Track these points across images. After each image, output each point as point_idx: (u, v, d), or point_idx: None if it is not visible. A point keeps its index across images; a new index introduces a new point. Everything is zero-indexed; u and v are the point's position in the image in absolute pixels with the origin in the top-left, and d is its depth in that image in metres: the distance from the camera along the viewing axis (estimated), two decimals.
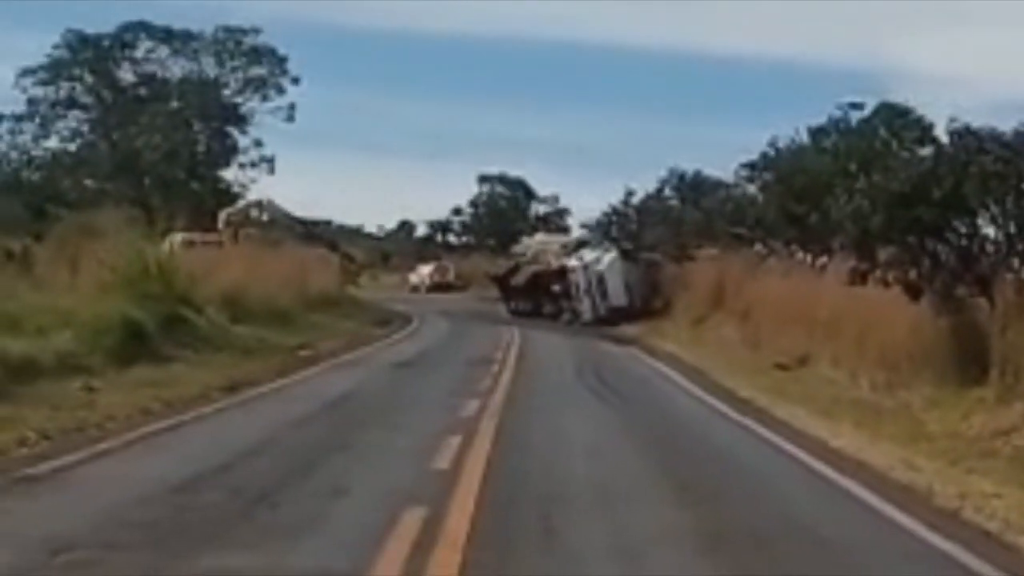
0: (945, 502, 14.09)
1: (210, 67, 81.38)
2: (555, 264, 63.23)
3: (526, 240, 70.73)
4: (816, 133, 53.14)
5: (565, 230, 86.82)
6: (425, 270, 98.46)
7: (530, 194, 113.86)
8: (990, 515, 13.22)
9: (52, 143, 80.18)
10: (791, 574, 10.69)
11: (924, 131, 46.33)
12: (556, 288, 61.26)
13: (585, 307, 59.26)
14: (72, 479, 13.81)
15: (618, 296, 59.22)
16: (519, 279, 65.15)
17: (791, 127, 61.32)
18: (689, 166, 70.31)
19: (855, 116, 53.14)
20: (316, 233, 70.08)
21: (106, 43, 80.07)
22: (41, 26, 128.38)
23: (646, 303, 58.56)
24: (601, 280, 59.36)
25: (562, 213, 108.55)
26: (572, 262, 61.38)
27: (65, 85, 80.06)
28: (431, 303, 72.69)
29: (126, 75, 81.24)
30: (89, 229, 36.59)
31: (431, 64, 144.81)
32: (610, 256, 61.12)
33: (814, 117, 57.17)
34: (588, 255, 61.78)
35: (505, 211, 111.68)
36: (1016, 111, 57.10)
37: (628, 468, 16.40)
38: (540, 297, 62.01)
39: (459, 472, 14.69)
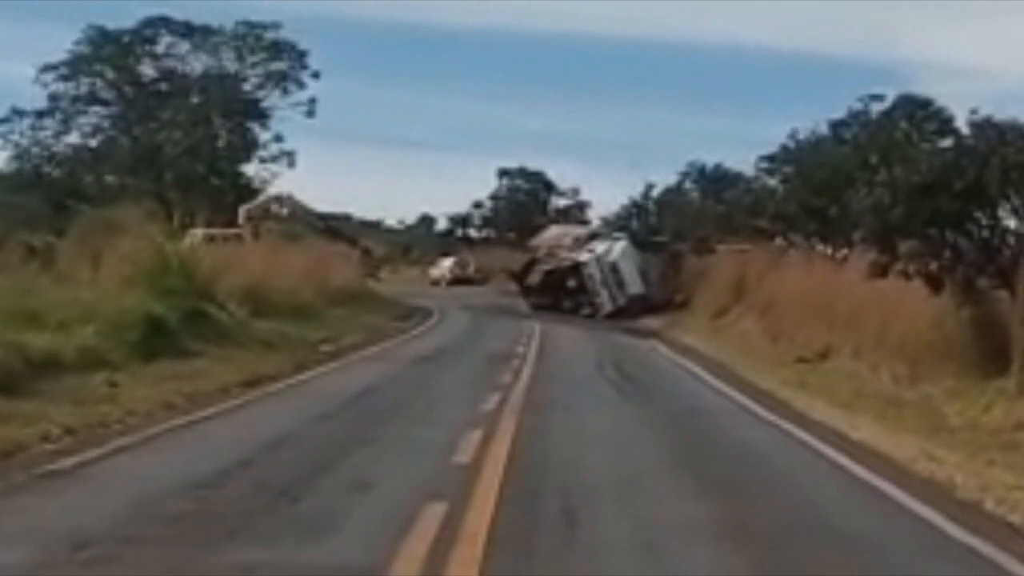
0: (967, 494, 14.06)
1: (230, 62, 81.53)
2: (569, 258, 63.10)
3: (543, 234, 70.51)
4: (836, 126, 53.08)
5: (586, 223, 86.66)
6: (446, 264, 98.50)
7: (550, 187, 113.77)
8: (1012, 507, 13.19)
9: (73, 139, 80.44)
10: (813, 567, 10.68)
11: (944, 123, 46.28)
12: (571, 283, 61.25)
13: (604, 299, 59.30)
14: (95, 474, 13.86)
15: (635, 283, 59.31)
16: (533, 278, 65.04)
17: (811, 120, 61.31)
18: (709, 159, 70.25)
19: (875, 108, 53.05)
20: (336, 228, 70.14)
21: (127, 39, 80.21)
22: (62, 22, 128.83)
23: (668, 293, 58.60)
24: (615, 269, 59.45)
25: (582, 206, 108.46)
26: (583, 256, 61.35)
27: (86, 81, 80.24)
28: (452, 297, 72.70)
29: (147, 70, 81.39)
30: (110, 224, 36.67)
31: (451, 58, 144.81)
32: (621, 244, 61.22)
33: (834, 110, 57.10)
34: (599, 247, 61.78)
35: (525, 204, 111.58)
36: None
37: (649, 461, 16.40)
38: (557, 293, 62.00)
39: (480, 466, 14.71)
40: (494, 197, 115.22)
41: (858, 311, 30.56)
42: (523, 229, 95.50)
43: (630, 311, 58.15)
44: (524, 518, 11.84)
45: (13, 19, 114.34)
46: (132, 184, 73.47)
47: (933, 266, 25.54)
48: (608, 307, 59.01)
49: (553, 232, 69.47)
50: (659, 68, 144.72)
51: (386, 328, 45.86)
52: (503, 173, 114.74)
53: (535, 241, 69.29)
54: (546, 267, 63.20)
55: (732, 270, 49.22)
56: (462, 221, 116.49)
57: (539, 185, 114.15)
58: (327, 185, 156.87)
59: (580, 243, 66.27)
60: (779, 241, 50.37)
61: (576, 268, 60.99)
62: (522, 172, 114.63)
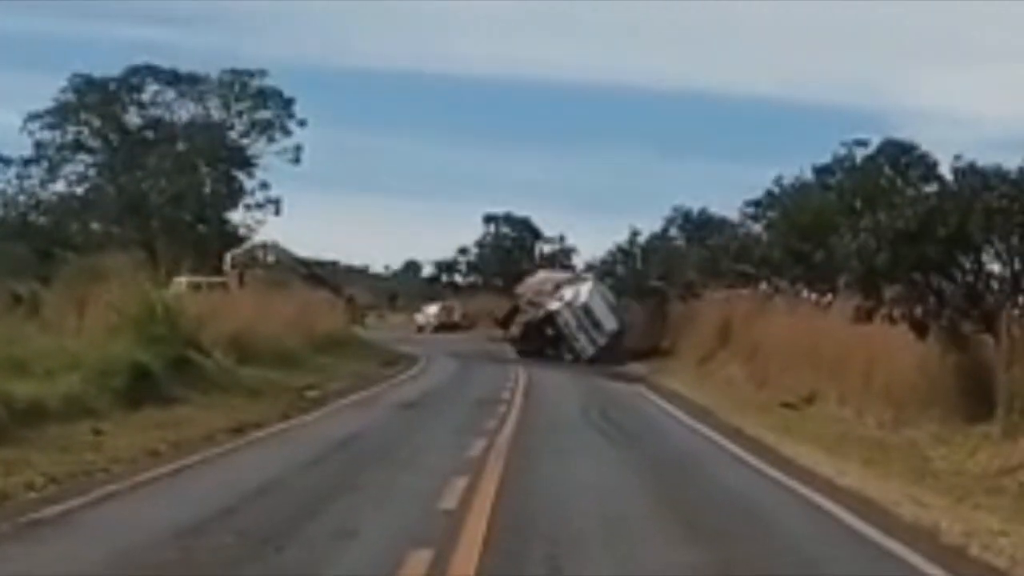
0: (952, 539, 14.07)
1: (216, 110, 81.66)
2: (543, 308, 63.00)
3: (528, 280, 70.44)
4: (821, 171, 53.30)
5: (571, 269, 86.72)
6: (431, 310, 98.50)
7: (536, 234, 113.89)
8: (997, 552, 13.20)
9: (59, 187, 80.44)
10: None
11: (929, 168, 46.48)
12: (549, 332, 61.33)
13: (583, 343, 59.46)
14: (79, 523, 13.81)
15: (609, 320, 59.60)
16: (513, 330, 65.12)
17: (796, 165, 61.68)
18: (695, 205, 70.35)
19: (860, 153, 53.28)
20: (320, 275, 70.11)
21: (112, 86, 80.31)
22: (48, 70, 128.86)
23: (655, 339, 58.70)
24: (587, 311, 59.71)
25: (568, 252, 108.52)
26: (554, 304, 61.37)
27: (72, 129, 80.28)
28: (437, 343, 72.67)
29: (133, 118, 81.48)
30: (96, 272, 36.63)
31: (436, 106, 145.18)
32: (587, 285, 61.54)
33: (819, 155, 57.24)
34: (567, 292, 61.88)
35: (511, 251, 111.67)
36: (1021, 148, 57.19)
37: (635, 507, 16.39)
38: (538, 340, 61.99)
39: (466, 512, 14.68)
40: (480, 243, 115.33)
41: (843, 356, 30.60)
42: (509, 275, 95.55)
43: (614, 351, 58.25)
44: (509, 565, 11.83)
45: (0, 68, 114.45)
46: (118, 232, 73.52)
47: (918, 311, 25.63)
48: (590, 350, 59.12)
49: (538, 277, 69.39)
50: (644, 114, 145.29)
51: (372, 374, 45.78)
52: (489, 219, 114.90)
53: (520, 288, 69.19)
54: (524, 318, 63.12)
55: (718, 316, 49.28)
56: (448, 267, 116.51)
57: (525, 231, 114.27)
58: (313, 232, 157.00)
59: (558, 289, 66.29)
60: (764, 286, 50.44)
61: (551, 317, 61.02)
62: (508, 218, 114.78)
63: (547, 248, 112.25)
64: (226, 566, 11.52)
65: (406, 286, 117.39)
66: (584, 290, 60.83)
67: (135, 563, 11.49)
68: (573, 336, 59.33)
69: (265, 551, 12.20)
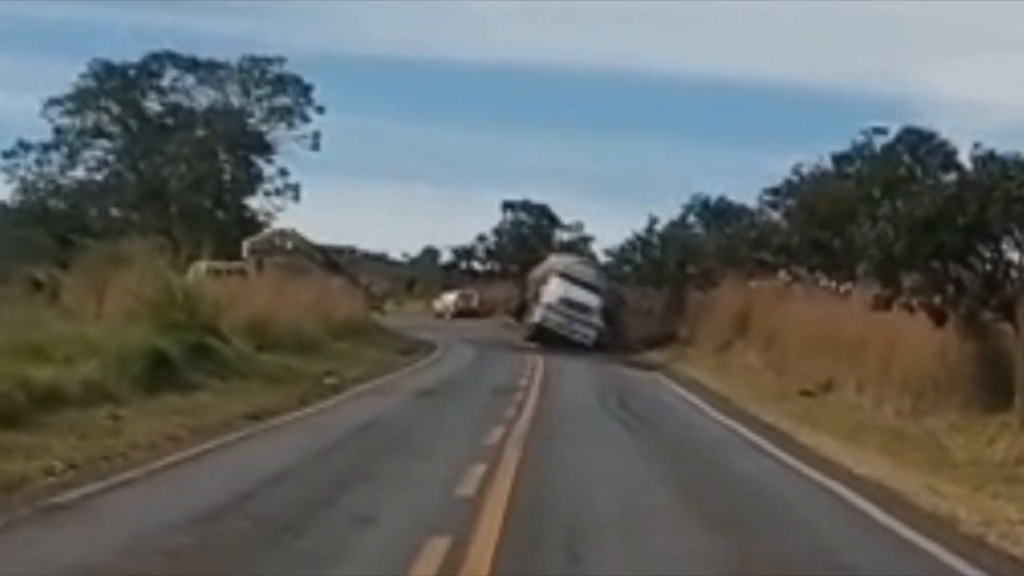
0: (970, 529, 14.06)
1: (236, 96, 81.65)
2: (534, 312, 62.62)
3: (539, 267, 69.95)
4: (840, 159, 53.13)
5: (589, 257, 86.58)
6: (449, 297, 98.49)
7: (554, 221, 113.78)
8: (1015, 541, 13.19)
9: (79, 173, 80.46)
10: None
11: (948, 156, 46.32)
12: (551, 332, 61.10)
13: (580, 332, 59.23)
14: (98, 508, 13.85)
15: (591, 298, 59.92)
16: (525, 332, 64.75)
17: (815, 153, 61.32)
18: (713, 192, 70.19)
19: (879, 141, 53.14)
20: (337, 264, 70.10)
21: (132, 72, 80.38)
22: (68, 56, 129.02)
23: (671, 327, 58.77)
24: (568, 303, 59.81)
25: (586, 240, 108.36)
26: (539, 314, 60.88)
27: (92, 115, 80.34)
28: (455, 330, 72.65)
29: (152, 104, 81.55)
30: (115, 258, 36.70)
31: (455, 92, 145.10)
32: (555, 281, 61.39)
33: (838, 143, 57.10)
34: (544, 294, 61.56)
35: (528, 238, 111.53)
36: None
37: (653, 496, 16.39)
38: (547, 337, 61.75)
39: (484, 500, 14.69)
40: (498, 230, 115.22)
41: (861, 344, 30.54)
42: (527, 262, 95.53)
43: (614, 322, 58.58)
44: (527, 552, 11.84)
45: (20, 53, 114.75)
46: (137, 218, 73.58)
47: (936, 300, 25.55)
48: (592, 335, 59.06)
49: (543, 266, 68.76)
50: (664, 101, 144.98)
51: (390, 361, 45.81)
52: (507, 206, 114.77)
53: (534, 273, 68.71)
54: (531, 319, 62.30)
55: (736, 304, 49.20)
56: (466, 254, 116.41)
57: (543, 218, 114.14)
58: (332, 218, 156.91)
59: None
60: (783, 274, 50.35)
61: (543, 325, 60.66)
62: (526, 205, 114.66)
63: (565, 236, 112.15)
64: (243, 552, 11.54)
65: (424, 273, 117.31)
66: (554, 286, 60.70)
67: (152, 548, 11.51)
68: (569, 329, 59.18)
69: (283, 537, 12.22)
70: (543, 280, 63.71)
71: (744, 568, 11.58)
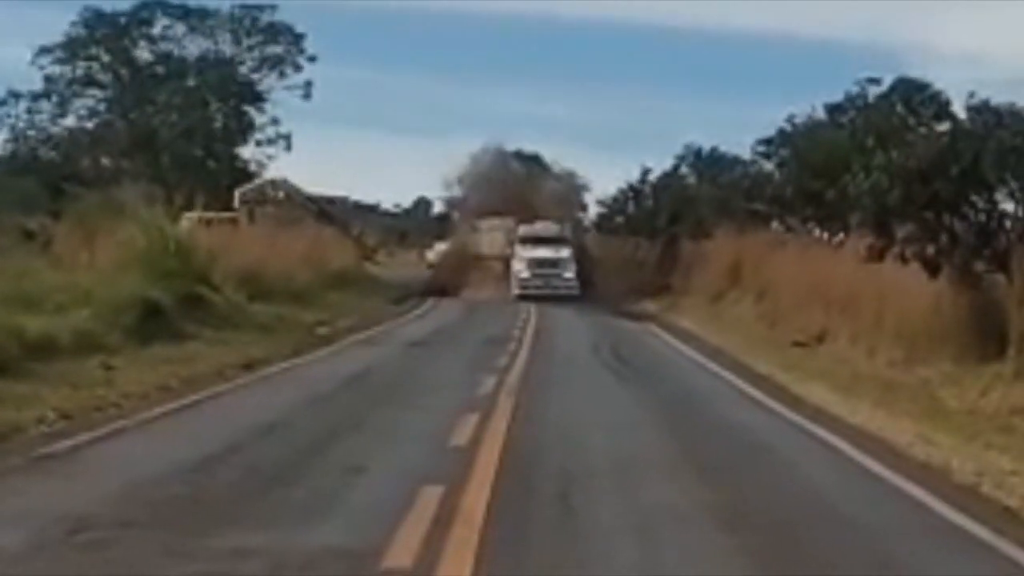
0: (963, 478, 14.06)
1: (227, 45, 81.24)
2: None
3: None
4: (833, 109, 52.90)
5: (583, 207, 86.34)
6: (442, 247, 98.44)
7: (546, 171, 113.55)
8: (1009, 491, 13.19)
9: (69, 122, 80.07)
10: (809, 550, 10.67)
11: (942, 107, 46.10)
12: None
13: (561, 286, 59.17)
14: (90, 457, 13.85)
15: (551, 250, 60.03)
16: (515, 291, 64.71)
17: (808, 103, 61.10)
18: (706, 143, 69.89)
19: (872, 92, 52.81)
20: (329, 213, 69.95)
21: (123, 21, 79.99)
22: (58, 3, 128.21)
23: (664, 277, 58.77)
24: (539, 263, 59.82)
25: (578, 190, 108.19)
26: (517, 279, 60.78)
27: (82, 64, 79.94)
28: None
29: (143, 53, 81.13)
30: (107, 208, 36.60)
31: (448, 42, 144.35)
32: (518, 248, 61.34)
33: (831, 93, 56.66)
34: (515, 261, 61.49)
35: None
36: None
37: (646, 445, 16.38)
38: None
39: (477, 449, 14.70)
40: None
41: (855, 295, 30.52)
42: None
43: (583, 264, 59.03)
44: (520, 501, 11.84)
45: (10, 1, 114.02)
46: (128, 167, 73.35)
47: (930, 250, 25.49)
48: (574, 283, 59.26)
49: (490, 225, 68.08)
50: (656, 51, 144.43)
51: (382, 312, 45.82)
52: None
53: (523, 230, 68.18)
54: (513, 291, 61.85)
55: (729, 254, 49.14)
56: (458, 204, 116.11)
57: (535, 168, 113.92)
58: (323, 168, 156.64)
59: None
60: (776, 225, 50.27)
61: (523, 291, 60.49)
62: (518, 155, 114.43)
63: (556, 185, 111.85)
64: (235, 502, 11.54)
65: (416, 224, 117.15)
66: (519, 252, 60.62)
67: (144, 498, 11.51)
68: (552, 288, 59.09)
69: (274, 487, 12.21)
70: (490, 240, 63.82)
71: (737, 517, 11.57)
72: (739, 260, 47.45)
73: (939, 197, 24.88)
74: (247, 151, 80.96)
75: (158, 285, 28.30)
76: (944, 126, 29.63)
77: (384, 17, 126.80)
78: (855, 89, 52.82)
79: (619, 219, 71.31)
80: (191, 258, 31.83)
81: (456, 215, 79.96)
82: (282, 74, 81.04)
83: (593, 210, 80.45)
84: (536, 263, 59.89)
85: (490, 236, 66.88)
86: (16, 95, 78.93)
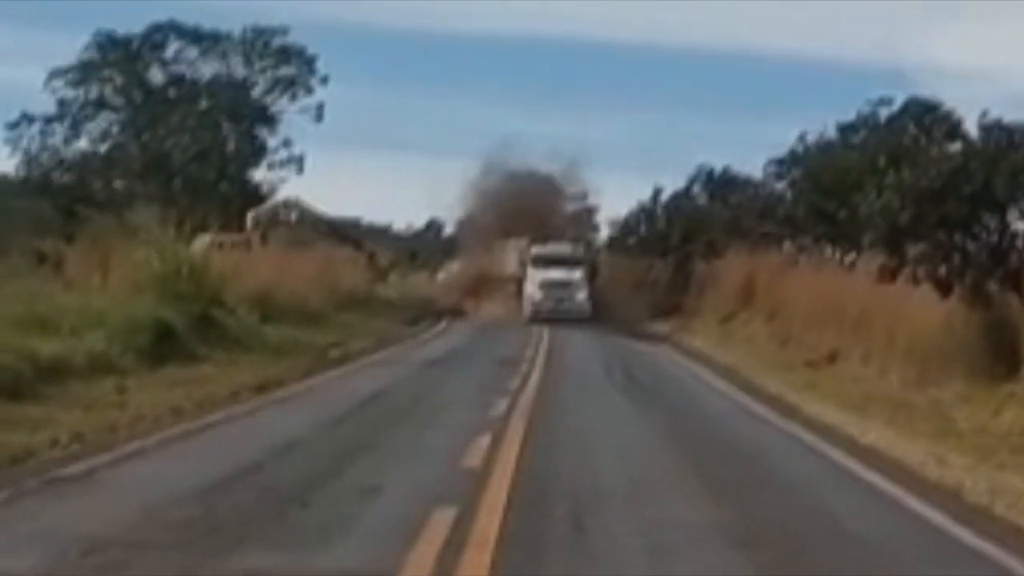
0: (976, 498, 14.04)
1: (239, 67, 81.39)
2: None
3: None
4: (845, 129, 52.92)
5: (594, 228, 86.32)
6: (453, 268, 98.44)
7: (558, 191, 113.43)
8: (1022, 511, 13.17)
9: (82, 144, 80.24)
10: (822, 570, 10.68)
11: (953, 126, 46.10)
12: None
13: (574, 307, 59.17)
14: (104, 479, 13.87)
15: (561, 272, 60.00)
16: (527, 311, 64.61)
17: (820, 123, 61.02)
18: (717, 163, 69.90)
19: (884, 112, 52.87)
20: (342, 232, 70.03)
21: (135, 44, 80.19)
22: (71, 27, 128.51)
23: (676, 298, 58.73)
24: (550, 285, 59.73)
25: (591, 211, 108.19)
26: (529, 305, 60.70)
27: (95, 86, 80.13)
28: None
29: (155, 76, 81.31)
30: (120, 230, 36.71)
31: (458, 63, 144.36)
32: (533, 273, 61.16)
33: (843, 113, 56.65)
34: (528, 286, 61.40)
35: None
36: None
37: (658, 465, 16.39)
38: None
39: (489, 470, 14.70)
40: None
41: (867, 315, 30.51)
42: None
43: (596, 296, 58.96)
44: (533, 523, 11.84)
45: (23, 24, 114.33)
46: (141, 190, 73.48)
47: (942, 270, 25.51)
48: (585, 305, 59.23)
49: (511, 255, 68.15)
50: (666, 72, 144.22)
51: (395, 333, 45.86)
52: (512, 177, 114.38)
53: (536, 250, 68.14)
54: (525, 314, 61.89)
55: (741, 274, 49.14)
56: (470, 225, 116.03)
57: (548, 188, 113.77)
58: (335, 190, 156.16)
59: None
60: (787, 245, 50.27)
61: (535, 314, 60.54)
62: (530, 175, 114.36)
63: (569, 207, 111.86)
64: (250, 523, 11.55)
65: (427, 244, 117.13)
66: (531, 275, 60.64)
67: (159, 520, 11.53)
68: (563, 310, 59.12)
69: (289, 508, 12.23)
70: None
71: (749, 536, 11.58)
72: (751, 280, 47.45)
73: (951, 217, 24.92)
74: (259, 173, 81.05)
75: (171, 307, 28.37)
76: (956, 146, 29.66)
77: (394, 40, 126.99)
78: (866, 109, 52.87)
79: (631, 239, 71.24)
80: (204, 280, 31.90)
81: (468, 236, 79.81)
82: (294, 96, 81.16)
83: (605, 230, 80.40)
84: (549, 284, 59.87)
85: (502, 256, 66.97)
86: (29, 118, 79.11)
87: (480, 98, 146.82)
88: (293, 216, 68.48)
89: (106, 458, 15.08)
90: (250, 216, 67.08)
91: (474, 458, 15.68)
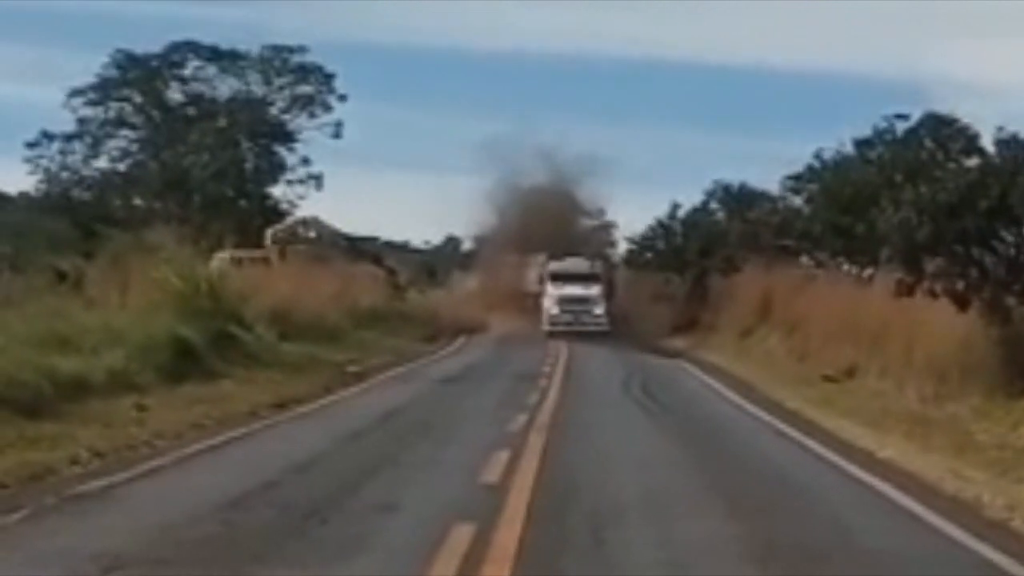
0: (994, 513, 14.04)
1: (257, 85, 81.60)
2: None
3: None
4: (861, 144, 52.87)
5: (612, 244, 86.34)
6: (472, 284, 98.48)
7: (576, 207, 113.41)
8: None
9: (102, 163, 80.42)
10: None
11: (970, 141, 46.08)
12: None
13: (591, 323, 59.27)
14: (123, 497, 13.93)
15: (579, 288, 60.00)
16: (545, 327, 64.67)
17: (837, 139, 60.97)
18: (735, 178, 69.89)
19: (900, 127, 52.84)
20: (361, 248, 70.10)
21: (154, 63, 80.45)
22: (90, 46, 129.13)
23: (693, 313, 58.78)
24: (568, 300, 59.78)
25: (609, 227, 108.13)
26: (548, 320, 60.74)
27: (114, 105, 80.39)
28: None
29: (174, 94, 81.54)
30: (139, 248, 36.79)
31: (476, 81, 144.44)
32: (550, 289, 61.20)
33: (859, 128, 56.58)
34: (545, 302, 61.43)
35: None
36: None
37: (677, 481, 16.40)
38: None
39: (508, 486, 14.73)
40: None
41: (884, 330, 30.48)
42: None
43: (614, 300, 58.69)
44: (552, 538, 11.87)
45: (43, 44, 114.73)
46: (160, 208, 73.64)
47: (960, 284, 25.47)
48: (603, 320, 59.28)
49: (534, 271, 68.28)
50: (683, 87, 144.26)
51: (412, 349, 45.90)
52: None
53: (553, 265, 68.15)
54: (543, 327, 61.88)
55: (758, 289, 49.12)
56: (488, 241, 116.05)
57: (565, 204, 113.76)
58: (354, 207, 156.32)
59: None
60: (805, 260, 50.25)
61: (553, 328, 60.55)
62: (547, 191, 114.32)
63: (587, 222, 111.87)
64: (269, 540, 11.59)
65: (445, 261, 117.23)
66: (550, 290, 60.72)
67: (178, 537, 11.58)
68: (581, 325, 59.20)
69: (308, 525, 12.27)
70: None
71: (767, 550, 11.60)
72: (768, 295, 47.42)
73: (968, 232, 24.89)
74: (278, 191, 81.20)
75: (190, 325, 28.42)
76: (973, 161, 29.65)
77: (412, 58, 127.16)
78: (883, 124, 52.81)
79: (649, 255, 71.20)
80: (223, 298, 31.95)
81: (486, 252, 79.94)
82: (312, 114, 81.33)
83: (623, 246, 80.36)
84: (567, 300, 59.95)
85: (521, 272, 67.03)
86: (49, 136, 79.38)
87: (497, 116, 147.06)
88: (311, 233, 68.57)
89: (125, 475, 15.14)
90: (269, 233, 67.21)
91: (493, 473, 15.71)
